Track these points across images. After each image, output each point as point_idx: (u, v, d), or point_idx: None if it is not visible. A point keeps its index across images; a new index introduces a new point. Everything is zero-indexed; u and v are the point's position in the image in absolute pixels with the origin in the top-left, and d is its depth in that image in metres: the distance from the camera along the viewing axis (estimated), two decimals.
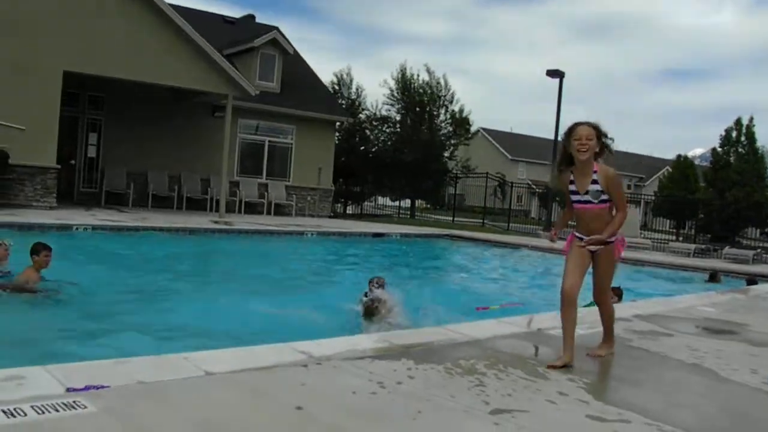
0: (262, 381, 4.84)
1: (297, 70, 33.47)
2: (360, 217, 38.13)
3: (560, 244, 6.62)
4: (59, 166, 22.15)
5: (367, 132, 42.77)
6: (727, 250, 28.55)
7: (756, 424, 5.03)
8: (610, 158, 6.33)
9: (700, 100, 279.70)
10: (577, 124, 6.10)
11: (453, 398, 4.78)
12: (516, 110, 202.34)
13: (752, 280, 18.17)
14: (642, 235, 34.88)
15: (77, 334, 8.07)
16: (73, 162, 26.10)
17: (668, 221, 46.18)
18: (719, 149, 43.29)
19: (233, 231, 20.75)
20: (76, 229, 17.15)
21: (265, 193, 30.20)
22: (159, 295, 11.23)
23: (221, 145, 24.73)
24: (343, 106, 39.31)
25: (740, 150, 42.24)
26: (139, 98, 25.95)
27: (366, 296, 9.89)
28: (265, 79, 30.48)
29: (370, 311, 9.24)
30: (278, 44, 31.08)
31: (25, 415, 3.73)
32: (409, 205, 45.06)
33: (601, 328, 6.60)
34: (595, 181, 6.04)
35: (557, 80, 35.78)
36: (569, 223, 6.77)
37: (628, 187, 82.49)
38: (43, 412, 3.79)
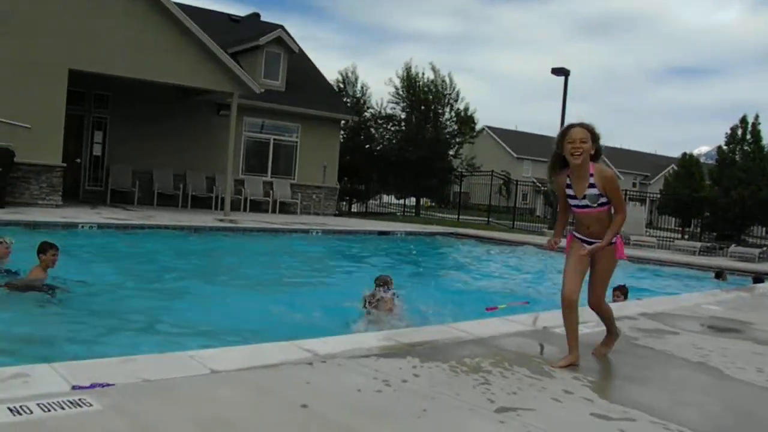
0: (267, 379, 4.84)
1: (302, 68, 33.46)
2: (365, 215, 38.11)
3: (562, 242, 6.41)
4: (65, 165, 22.19)
5: (372, 130, 42.74)
6: (732, 248, 28.50)
7: (761, 423, 5.03)
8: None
9: (706, 97, 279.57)
10: (570, 126, 5.92)
11: (458, 396, 4.78)
12: (521, 108, 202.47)
13: (758, 278, 18.14)
14: (647, 234, 34.85)
15: (83, 332, 8.07)
16: (78, 160, 26.14)
17: (674, 219, 46.12)
18: (725, 147, 43.23)
19: (238, 229, 20.76)
20: (82, 227, 17.16)
21: (270, 192, 30.22)
22: (164, 294, 11.24)
23: (226, 144, 24.77)
24: (348, 105, 39.32)
25: (746, 148, 42.17)
26: (144, 97, 25.99)
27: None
28: (270, 78, 30.47)
29: (371, 304, 9.23)
30: (283, 43, 31.07)
31: (31, 412, 3.74)
32: (414, 204, 45.02)
33: (605, 327, 6.58)
34: (592, 185, 5.87)
35: (562, 78, 35.71)
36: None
37: (633, 185, 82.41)
38: (49, 410, 3.79)
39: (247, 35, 31.52)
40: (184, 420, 3.95)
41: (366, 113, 42.19)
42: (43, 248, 10.03)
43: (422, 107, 41.55)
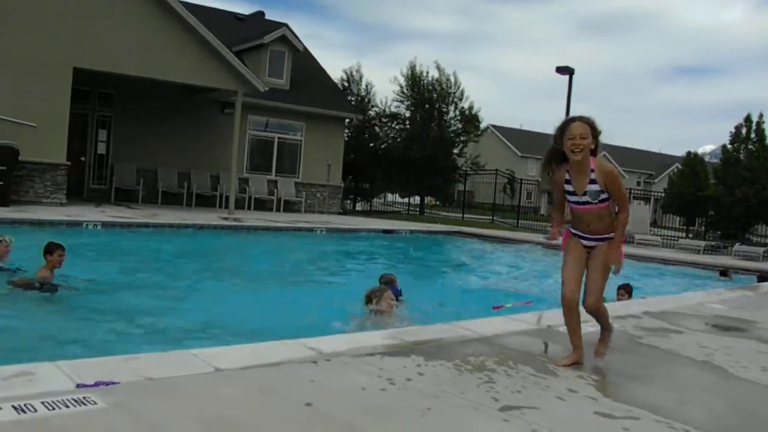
0: (271, 377, 4.84)
1: (306, 66, 33.47)
2: (369, 213, 38.13)
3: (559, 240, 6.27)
4: (69, 163, 22.21)
5: (377, 129, 42.79)
6: (737, 247, 28.46)
7: (765, 422, 5.02)
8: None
9: (711, 96, 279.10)
10: (570, 121, 5.70)
11: (462, 395, 4.78)
12: (525, 107, 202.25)
13: (763, 277, 18.12)
14: (652, 232, 34.81)
15: (87, 331, 8.08)
16: (83, 159, 26.17)
17: (678, 218, 46.09)
18: (729, 146, 43.21)
19: (242, 228, 20.76)
20: (86, 226, 17.17)
21: (275, 190, 30.24)
22: (168, 292, 11.24)
23: (231, 142, 24.81)
24: (353, 103, 39.34)
25: (750, 147, 42.15)
26: (148, 95, 26.00)
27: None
28: (275, 76, 30.48)
29: (371, 302, 9.21)
30: (288, 41, 31.08)
31: (36, 410, 3.74)
32: (418, 202, 45.03)
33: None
34: (593, 181, 5.66)
35: (567, 77, 35.67)
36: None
37: (638, 183, 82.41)
38: (53, 408, 3.80)
39: (251, 33, 31.53)
40: (187, 418, 3.95)
41: (370, 112, 42.24)
42: (50, 249, 10.05)
43: (427, 106, 41.59)
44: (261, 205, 29.48)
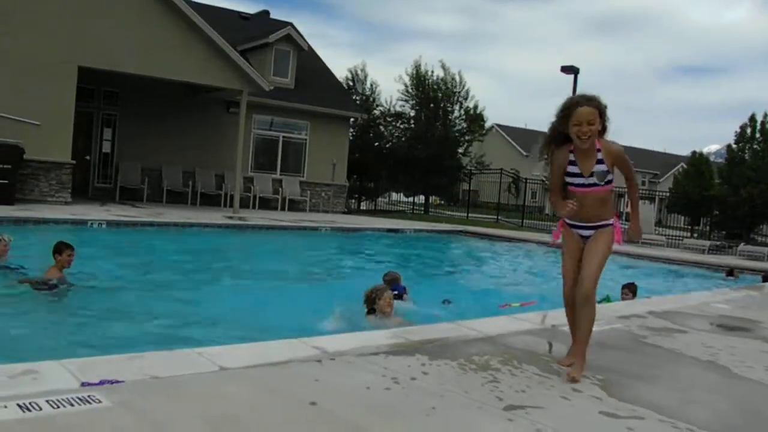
0: (275, 376, 4.85)
1: (311, 66, 33.49)
2: (374, 213, 38.11)
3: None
4: (74, 162, 22.25)
5: (381, 128, 42.75)
6: (742, 246, 28.44)
7: None
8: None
9: (715, 96, 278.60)
10: (575, 105, 5.35)
11: (467, 394, 4.78)
12: (530, 106, 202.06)
13: None
14: (656, 232, 34.78)
15: (92, 329, 8.10)
16: (87, 157, 26.22)
17: (683, 218, 46.04)
18: (734, 145, 43.16)
19: (247, 227, 20.77)
20: (91, 224, 17.19)
21: (279, 189, 30.26)
22: (172, 291, 11.25)
23: (235, 141, 24.84)
24: (358, 102, 39.35)
25: (755, 146, 42.10)
26: (153, 94, 26.02)
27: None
28: (280, 75, 30.49)
29: (370, 301, 9.18)
30: (292, 40, 31.08)
31: (40, 409, 3.74)
32: (423, 202, 45.01)
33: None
34: (600, 161, 5.38)
35: (572, 76, 35.64)
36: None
37: (642, 183, 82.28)
38: (58, 407, 3.80)
39: (256, 33, 31.54)
40: (192, 417, 3.95)
41: (375, 111, 42.21)
42: (59, 249, 10.07)
43: (431, 105, 41.53)
44: (266, 204, 29.52)
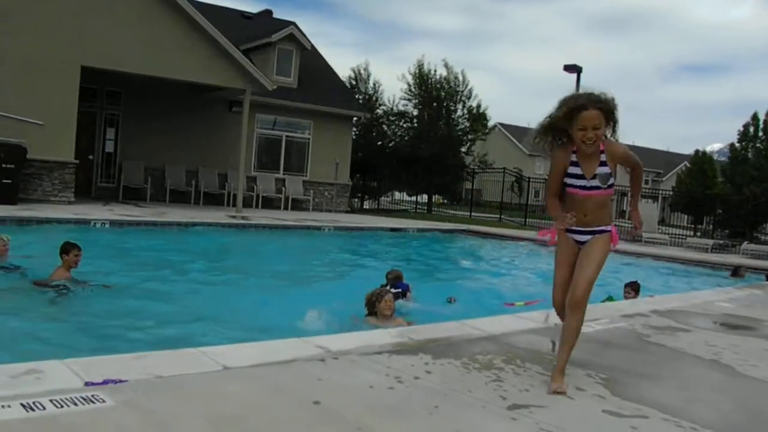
0: (279, 376, 4.85)
1: (314, 65, 33.47)
2: (377, 212, 38.10)
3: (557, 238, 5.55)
4: (77, 161, 22.24)
5: (384, 127, 42.77)
6: (745, 245, 28.40)
7: None
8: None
9: (719, 94, 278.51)
10: (581, 108, 5.01)
11: (470, 393, 4.78)
12: (533, 105, 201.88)
13: None
14: (660, 231, 34.76)
15: (95, 329, 8.10)
16: (90, 157, 26.21)
17: (686, 217, 46.01)
18: (737, 144, 43.10)
19: (250, 226, 20.77)
20: (94, 224, 17.19)
21: (283, 188, 30.26)
22: (176, 290, 11.25)
23: (238, 140, 24.82)
24: (361, 102, 39.33)
25: (758, 145, 42.04)
26: (156, 93, 26.03)
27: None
28: (283, 74, 30.47)
29: (370, 303, 9.17)
30: (295, 39, 31.06)
31: (44, 408, 3.75)
32: (426, 200, 45.01)
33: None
34: (603, 163, 5.14)
35: (575, 75, 35.59)
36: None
37: (646, 182, 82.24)
38: (62, 406, 3.81)
39: (259, 32, 31.52)
40: (196, 416, 3.96)
41: (378, 110, 42.22)
42: (66, 249, 10.08)
43: (434, 104, 41.55)
44: (269, 203, 29.53)
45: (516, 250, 23.36)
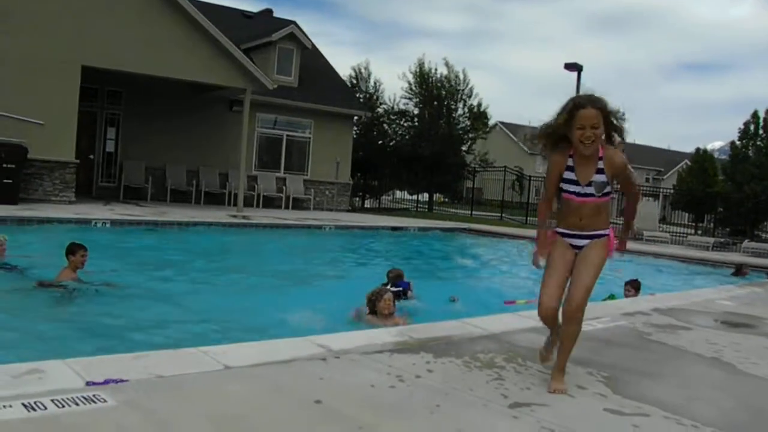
0: (280, 375, 4.85)
1: (315, 64, 33.46)
2: (378, 211, 38.09)
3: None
4: (78, 161, 22.24)
5: (385, 126, 42.80)
6: (746, 243, 28.36)
7: None
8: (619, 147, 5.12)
9: (720, 92, 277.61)
10: (578, 106, 4.91)
11: (472, 392, 4.78)
12: (534, 104, 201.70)
13: None
14: (660, 229, 34.75)
15: (96, 329, 8.10)
16: (91, 156, 26.22)
17: (687, 215, 45.97)
18: (738, 142, 43.05)
19: (251, 225, 20.77)
20: (95, 223, 17.19)
21: (283, 188, 30.26)
22: (177, 290, 11.24)
23: (239, 140, 24.83)
24: (361, 101, 39.33)
25: (759, 143, 41.99)
26: (157, 93, 26.04)
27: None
28: (283, 74, 30.46)
29: (371, 303, 9.17)
30: (296, 38, 31.05)
31: (46, 408, 3.75)
32: (426, 199, 45.01)
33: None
34: (600, 170, 4.96)
35: (575, 73, 35.57)
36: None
37: (646, 180, 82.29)
38: (63, 406, 3.81)
39: (259, 31, 31.51)
40: (197, 416, 3.96)
41: (379, 109, 42.25)
42: (72, 249, 10.09)
43: (435, 103, 41.57)
44: (270, 202, 29.53)
45: (516, 249, 23.35)
